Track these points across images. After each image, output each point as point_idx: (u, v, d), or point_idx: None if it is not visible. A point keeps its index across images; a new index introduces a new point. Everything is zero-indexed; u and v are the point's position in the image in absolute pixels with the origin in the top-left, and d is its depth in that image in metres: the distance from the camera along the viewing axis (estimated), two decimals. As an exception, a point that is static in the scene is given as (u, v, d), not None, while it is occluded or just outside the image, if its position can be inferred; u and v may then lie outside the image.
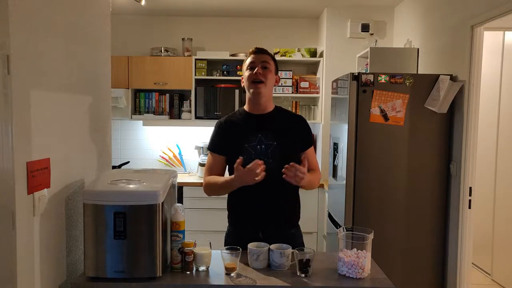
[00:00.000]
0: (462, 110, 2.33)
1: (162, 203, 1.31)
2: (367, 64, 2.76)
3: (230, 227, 1.71)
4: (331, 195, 2.96)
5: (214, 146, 1.68)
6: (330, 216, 2.92)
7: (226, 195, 1.70)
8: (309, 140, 1.70)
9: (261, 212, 1.57)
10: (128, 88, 3.55)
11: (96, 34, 1.64)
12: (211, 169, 1.67)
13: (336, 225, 2.70)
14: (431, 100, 2.42)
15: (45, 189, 1.23)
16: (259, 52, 1.62)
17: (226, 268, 1.35)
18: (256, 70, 1.57)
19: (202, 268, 1.37)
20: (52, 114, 1.28)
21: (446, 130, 2.44)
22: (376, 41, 3.03)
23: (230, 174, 1.69)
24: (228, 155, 1.66)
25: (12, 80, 1.06)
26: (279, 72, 1.71)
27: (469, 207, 2.33)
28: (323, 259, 1.54)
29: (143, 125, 3.79)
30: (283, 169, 1.44)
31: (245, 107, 1.69)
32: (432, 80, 2.40)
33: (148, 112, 3.63)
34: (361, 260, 1.34)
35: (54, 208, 1.30)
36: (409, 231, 2.46)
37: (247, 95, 1.65)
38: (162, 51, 3.60)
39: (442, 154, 2.45)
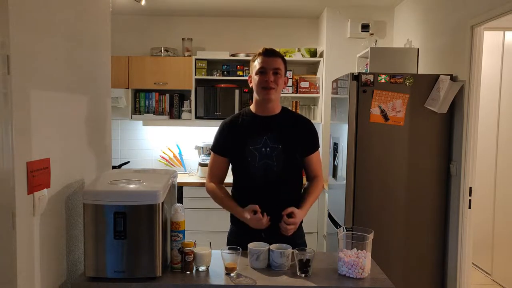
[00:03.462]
0: (462, 110, 2.33)
1: (162, 203, 1.31)
2: (367, 64, 2.76)
3: (233, 226, 1.71)
4: (331, 195, 2.95)
5: (218, 147, 1.67)
6: (330, 216, 2.91)
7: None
8: (315, 145, 1.68)
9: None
10: (128, 88, 3.55)
11: (96, 34, 1.64)
12: (214, 170, 1.68)
13: (336, 225, 2.70)
14: (431, 100, 2.42)
15: (45, 189, 1.23)
16: (269, 55, 1.57)
17: (226, 268, 1.35)
18: (267, 77, 1.54)
19: (202, 268, 1.37)
20: (52, 114, 1.28)
21: (446, 130, 2.44)
22: (376, 41, 3.03)
23: (233, 175, 1.70)
24: (231, 157, 1.65)
25: (12, 80, 1.06)
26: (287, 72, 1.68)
27: (469, 207, 2.33)
28: (323, 259, 1.54)
29: (143, 125, 3.79)
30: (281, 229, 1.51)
31: (252, 108, 1.66)
32: (432, 80, 2.40)
33: (148, 112, 3.63)
34: (361, 260, 1.34)
35: (54, 208, 1.30)
36: (409, 231, 2.46)
37: (255, 96, 1.63)
38: (162, 51, 3.60)
39: (442, 154, 2.45)
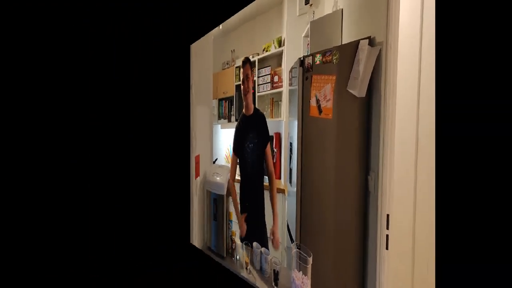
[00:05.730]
0: (380, 91, 1.55)
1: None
2: (308, 44, 2.18)
3: None
4: (289, 203, 2.53)
5: (233, 147, 1.99)
6: (288, 228, 2.52)
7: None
8: (266, 138, 1.82)
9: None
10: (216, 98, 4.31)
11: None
12: (231, 168, 1.95)
13: (292, 239, 2.37)
14: (352, 79, 1.74)
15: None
16: (243, 65, 1.80)
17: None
18: (244, 84, 1.77)
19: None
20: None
21: (365, 119, 1.66)
22: (313, 13, 2.24)
23: (240, 171, 1.97)
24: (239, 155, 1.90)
25: None
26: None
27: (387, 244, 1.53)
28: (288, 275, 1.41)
29: (221, 128, 4.46)
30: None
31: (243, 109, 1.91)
32: (354, 49, 1.70)
33: (223, 118, 4.27)
34: (305, 287, 1.21)
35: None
36: (335, 256, 1.85)
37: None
38: (226, 64, 4.11)
39: (361, 155, 1.68)
